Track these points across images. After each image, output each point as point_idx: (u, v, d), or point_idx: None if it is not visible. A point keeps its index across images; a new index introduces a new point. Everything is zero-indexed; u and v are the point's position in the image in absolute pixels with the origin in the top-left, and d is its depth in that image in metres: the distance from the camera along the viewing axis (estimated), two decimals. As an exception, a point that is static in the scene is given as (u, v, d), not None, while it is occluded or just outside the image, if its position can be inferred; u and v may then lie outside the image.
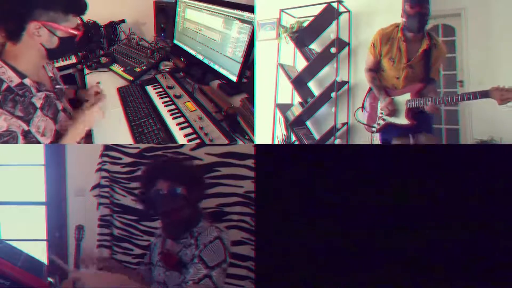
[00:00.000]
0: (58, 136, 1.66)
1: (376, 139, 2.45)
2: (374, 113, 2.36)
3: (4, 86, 1.49)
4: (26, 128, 1.52)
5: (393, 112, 2.23)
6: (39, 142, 1.57)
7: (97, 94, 2.01)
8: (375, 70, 2.35)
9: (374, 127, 2.33)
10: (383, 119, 2.29)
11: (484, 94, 1.92)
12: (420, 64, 2.20)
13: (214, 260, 1.51)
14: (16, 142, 1.50)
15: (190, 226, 1.61)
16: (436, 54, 2.20)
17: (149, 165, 1.73)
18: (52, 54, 1.64)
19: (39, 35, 1.53)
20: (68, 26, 1.57)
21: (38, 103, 1.57)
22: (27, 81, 1.56)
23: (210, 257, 1.51)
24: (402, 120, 2.22)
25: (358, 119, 2.47)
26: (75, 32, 1.60)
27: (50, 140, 1.62)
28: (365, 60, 2.78)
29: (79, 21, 1.64)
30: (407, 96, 2.21)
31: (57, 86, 1.79)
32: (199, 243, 1.55)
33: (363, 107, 2.44)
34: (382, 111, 2.29)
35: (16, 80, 1.52)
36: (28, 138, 1.53)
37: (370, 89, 2.42)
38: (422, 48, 2.18)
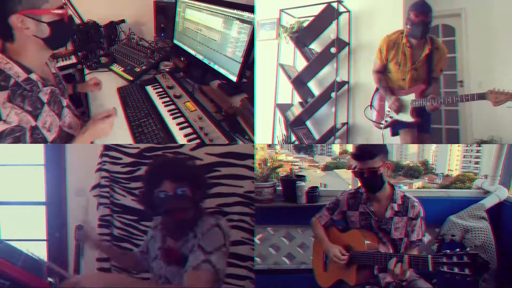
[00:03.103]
0: (62, 132, 1.65)
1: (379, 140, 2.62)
2: (382, 111, 2.55)
3: (12, 81, 1.48)
4: (33, 123, 1.51)
5: (400, 108, 2.42)
6: (45, 138, 1.56)
7: (97, 85, 1.97)
8: (382, 71, 2.51)
9: (382, 123, 2.55)
10: (391, 117, 2.49)
11: (481, 96, 2.13)
12: (424, 66, 2.39)
13: (213, 246, 1.50)
14: (25, 139, 1.50)
15: (192, 225, 1.60)
16: (437, 56, 2.39)
17: (151, 166, 1.69)
18: (51, 43, 1.59)
19: (27, 27, 1.48)
20: (49, 8, 1.51)
21: (44, 98, 1.56)
22: (33, 76, 1.55)
23: (209, 243, 1.50)
24: (408, 118, 2.41)
25: (367, 116, 2.65)
26: (59, 11, 1.54)
27: (54, 136, 1.61)
28: (365, 60, 2.86)
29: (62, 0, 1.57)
30: (412, 96, 2.39)
31: (60, 85, 1.79)
32: (197, 234, 1.54)
33: (371, 106, 2.62)
34: (390, 109, 2.49)
35: (22, 75, 1.52)
36: (35, 135, 1.53)
37: (377, 89, 2.58)
38: (424, 53, 2.36)
